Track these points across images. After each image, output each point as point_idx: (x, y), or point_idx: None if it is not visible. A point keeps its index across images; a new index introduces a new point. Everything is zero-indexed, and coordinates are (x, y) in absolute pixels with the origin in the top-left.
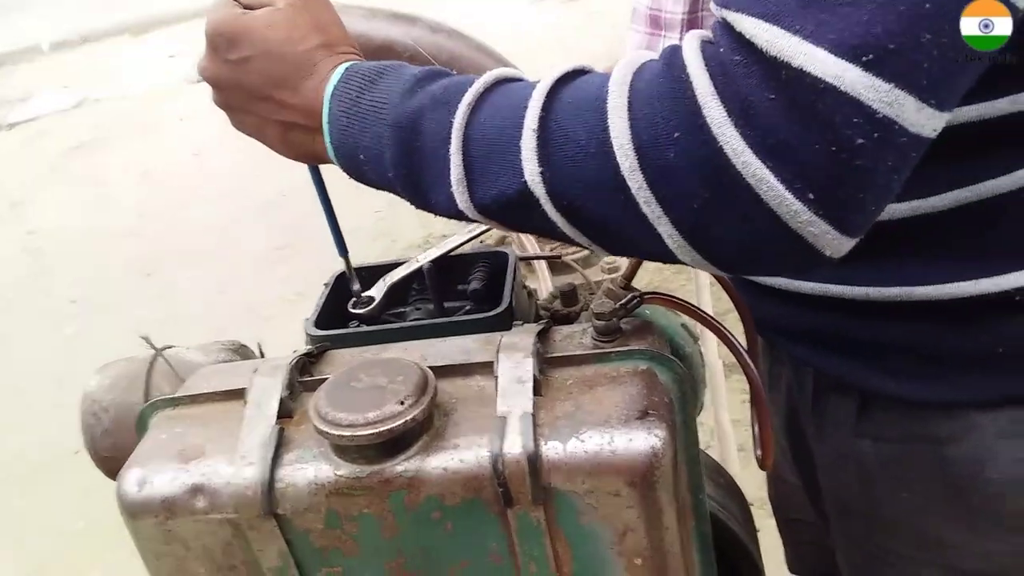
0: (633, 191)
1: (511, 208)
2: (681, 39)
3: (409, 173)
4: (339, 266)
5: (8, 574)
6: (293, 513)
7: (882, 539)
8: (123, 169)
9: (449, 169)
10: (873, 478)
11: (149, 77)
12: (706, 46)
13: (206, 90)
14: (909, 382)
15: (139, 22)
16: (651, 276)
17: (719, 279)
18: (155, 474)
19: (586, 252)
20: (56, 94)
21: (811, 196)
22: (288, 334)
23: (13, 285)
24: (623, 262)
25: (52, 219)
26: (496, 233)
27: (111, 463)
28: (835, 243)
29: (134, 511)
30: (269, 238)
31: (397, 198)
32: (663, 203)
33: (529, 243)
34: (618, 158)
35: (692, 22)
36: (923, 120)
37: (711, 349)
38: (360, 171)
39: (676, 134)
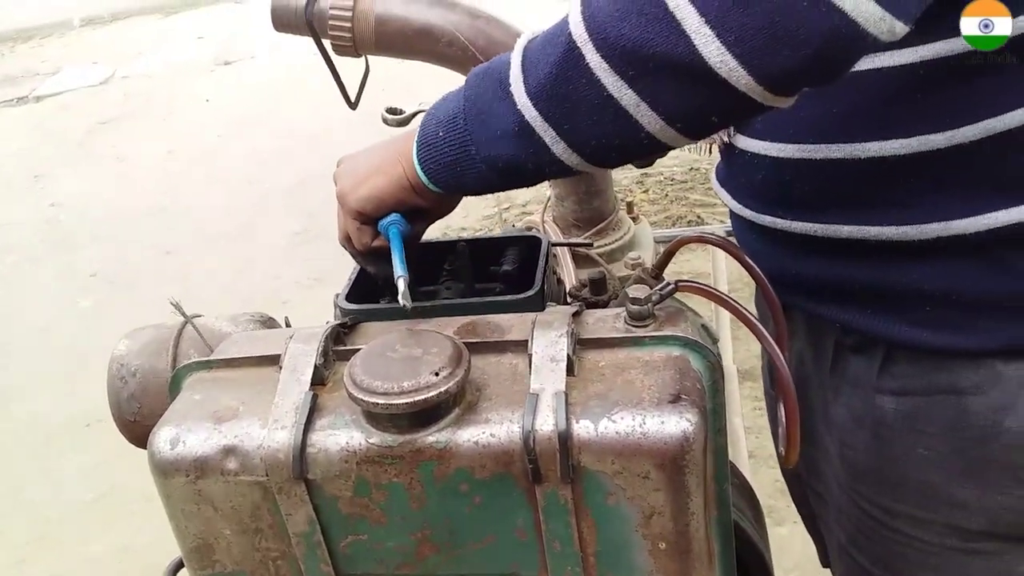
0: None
1: (561, 71)
2: None
3: (474, 103)
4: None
5: (12, 540)
6: (323, 479)
7: (890, 501)
8: (147, 147)
9: (508, 82)
10: (889, 436)
11: (177, 57)
12: None
13: (232, 72)
14: (939, 331)
15: (169, 3)
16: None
17: (751, 271)
18: (188, 433)
19: (612, 246)
20: (84, 69)
21: None
22: (305, 318)
23: (33, 256)
24: (647, 257)
25: (75, 193)
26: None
27: (135, 428)
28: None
29: (165, 469)
30: (289, 223)
31: None
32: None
33: (554, 232)
34: None
35: None
36: None
37: (727, 354)
38: (456, 180)
39: None
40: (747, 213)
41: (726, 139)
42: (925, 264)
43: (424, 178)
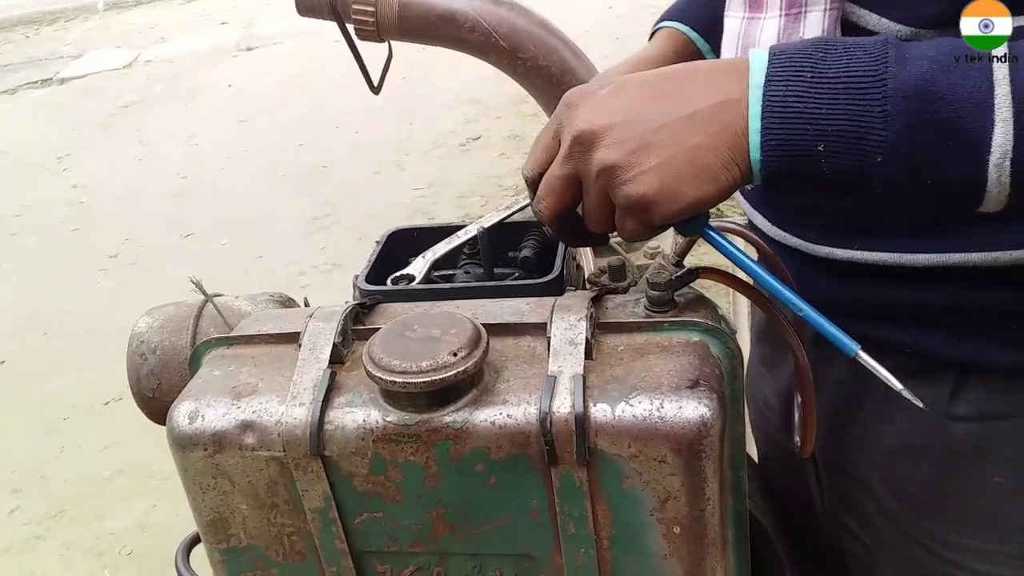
0: None
1: None
2: (782, 15)
3: (914, 151)
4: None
5: (30, 516)
6: (339, 456)
7: (955, 535)
8: (169, 131)
9: (989, 138)
10: (960, 465)
11: (200, 42)
12: None
13: (254, 58)
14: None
15: None
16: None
17: (772, 259)
18: (207, 408)
19: None
20: (108, 53)
21: None
22: (323, 303)
23: (54, 236)
24: (666, 246)
25: (96, 175)
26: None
27: (153, 404)
28: None
29: (183, 443)
30: (308, 208)
31: (440, 177)
32: None
33: None
34: None
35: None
36: None
37: (745, 342)
38: (807, 168)
39: None
40: (793, 241)
41: None
42: (1013, 284)
43: (759, 180)
